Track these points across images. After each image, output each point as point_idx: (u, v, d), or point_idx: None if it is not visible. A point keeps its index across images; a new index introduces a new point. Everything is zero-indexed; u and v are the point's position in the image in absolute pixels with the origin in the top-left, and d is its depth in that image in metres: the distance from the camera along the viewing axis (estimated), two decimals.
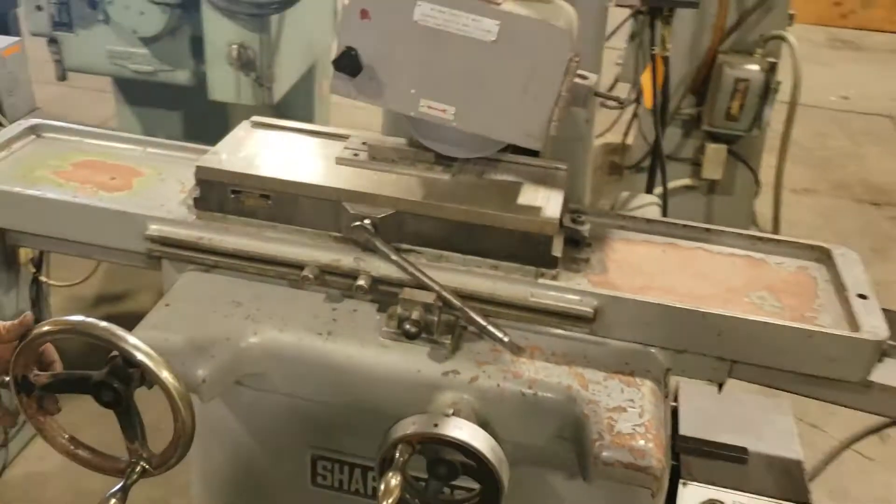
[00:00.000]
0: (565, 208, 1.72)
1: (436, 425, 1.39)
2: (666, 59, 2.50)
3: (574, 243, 1.70)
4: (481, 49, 1.47)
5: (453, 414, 1.43)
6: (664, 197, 2.37)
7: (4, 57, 2.53)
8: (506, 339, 1.55)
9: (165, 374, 1.33)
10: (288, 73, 3.60)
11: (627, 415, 1.44)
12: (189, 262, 1.71)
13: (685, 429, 1.80)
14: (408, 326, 1.49)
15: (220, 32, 3.28)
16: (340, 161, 1.73)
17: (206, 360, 1.48)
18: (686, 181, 4.02)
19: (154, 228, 1.69)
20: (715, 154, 3.94)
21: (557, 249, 1.62)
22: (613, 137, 4.98)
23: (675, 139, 4.01)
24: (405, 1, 1.45)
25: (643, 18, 3.40)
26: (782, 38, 3.65)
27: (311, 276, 1.60)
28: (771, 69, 3.67)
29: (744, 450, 1.71)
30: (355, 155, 1.74)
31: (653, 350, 1.59)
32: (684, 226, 1.82)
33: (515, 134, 1.54)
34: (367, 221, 1.60)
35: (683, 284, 1.65)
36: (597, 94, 1.54)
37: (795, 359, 1.53)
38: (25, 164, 1.88)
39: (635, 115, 4.36)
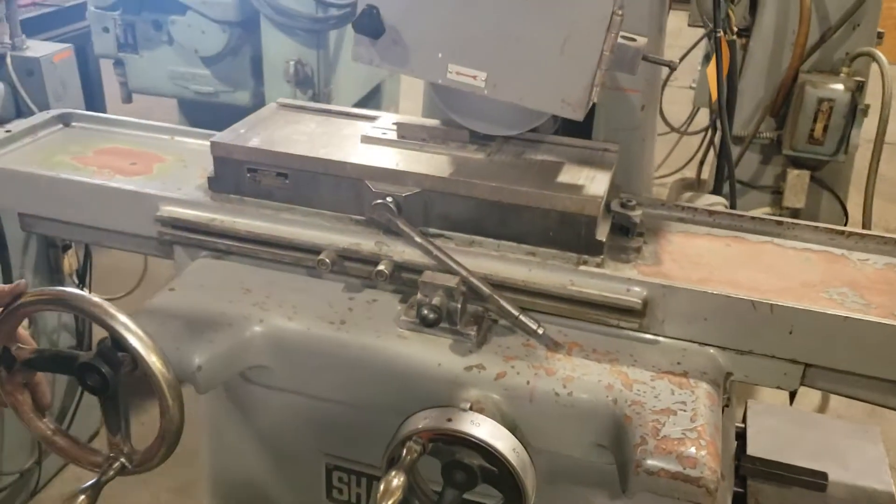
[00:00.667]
0: (614, 193, 1.52)
1: (449, 420, 1.20)
2: (732, 44, 2.27)
3: (623, 231, 1.50)
4: (515, 4, 1.32)
5: (471, 409, 1.23)
6: (731, 196, 2.13)
7: (55, 62, 2.53)
8: (540, 332, 1.35)
9: (154, 359, 1.19)
10: (347, 92, 3.54)
11: (677, 418, 1.21)
12: (202, 248, 1.59)
13: (754, 451, 1.54)
14: (426, 312, 1.31)
15: (278, 48, 3.25)
16: (366, 139, 1.59)
17: (204, 347, 1.34)
18: (766, 210, 3.73)
19: (165, 210, 1.58)
20: (797, 180, 3.65)
21: (602, 234, 1.43)
22: (690, 173, 4.73)
23: (754, 165, 3.74)
24: None
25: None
26: (871, 56, 3.37)
27: (327, 260, 1.45)
28: (858, 88, 3.39)
29: (823, 475, 1.44)
30: (383, 134, 1.60)
31: (711, 350, 1.36)
32: (752, 218, 1.60)
33: (552, 101, 1.36)
34: (389, 199, 1.45)
35: (750, 278, 1.43)
36: (646, 59, 1.35)
37: (884, 362, 1.28)
38: (47, 150, 1.82)
39: (711, 143, 4.12)
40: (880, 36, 3.59)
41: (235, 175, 1.57)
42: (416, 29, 1.39)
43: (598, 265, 1.42)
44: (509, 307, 1.37)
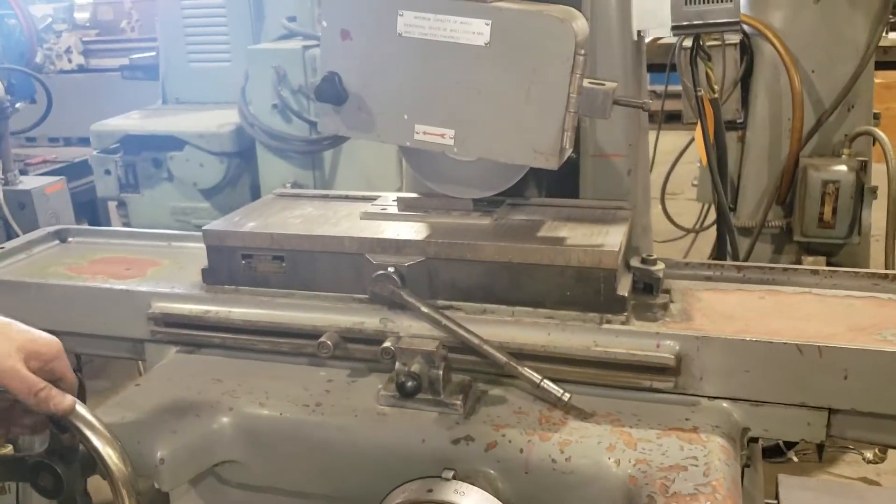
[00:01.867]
0: (631, 250, 1.43)
1: (430, 491, 1.07)
2: (714, 101, 2.24)
3: (647, 289, 1.39)
4: (474, 56, 1.27)
5: (455, 478, 1.09)
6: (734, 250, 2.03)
7: (47, 194, 2.54)
8: (566, 398, 1.22)
9: (109, 452, 1.07)
10: None
11: (688, 473, 1.07)
12: (195, 345, 1.48)
13: None
14: (404, 380, 1.20)
15: (275, 173, 3.27)
16: (366, 215, 1.52)
17: (168, 439, 1.22)
18: None
19: (157, 306, 1.49)
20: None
21: (624, 289, 1.32)
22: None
23: (767, 256, 3.65)
24: (387, 13, 1.28)
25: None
26: (871, 135, 3.37)
27: (329, 343, 1.34)
28: (862, 168, 3.36)
29: None
30: (383, 210, 1.53)
31: (725, 404, 1.24)
32: (784, 269, 1.49)
33: (524, 152, 1.29)
34: (391, 270, 1.36)
35: (791, 327, 1.30)
36: (617, 102, 1.29)
37: None
38: (40, 264, 1.75)
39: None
40: (877, 116, 3.61)
41: (230, 264, 1.48)
42: (379, 92, 1.35)
43: (623, 323, 1.30)
44: (530, 374, 1.24)
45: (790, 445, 1.88)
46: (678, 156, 4.27)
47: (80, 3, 6.77)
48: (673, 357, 1.23)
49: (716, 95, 2.24)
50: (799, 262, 3.61)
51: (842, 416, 1.22)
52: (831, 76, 3.41)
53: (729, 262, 1.52)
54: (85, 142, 3.98)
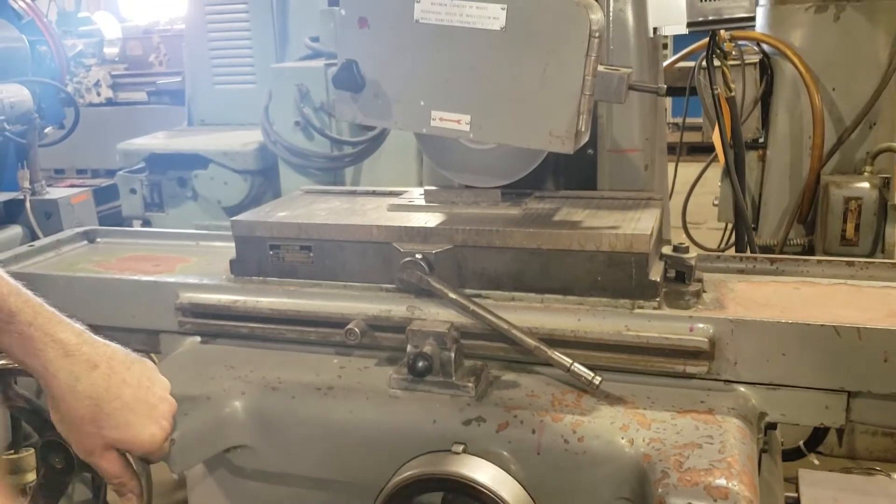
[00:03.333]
0: (662, 240, 1.42)
1: (440, 464, 1.08)
2: (731, 100, 2.23)
3: (679, 277, 1.37)
4: (490, 41, 1.27)
5: (464, 452, 1.10)
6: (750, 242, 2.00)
7: (73, 204, 2.57)
8: (597, 382, 1.20)
9: None
10: None
11: (703, 451, 1.05)
12: (223, 336, 1.48)
13: None
14: (414, 360, 1.20)
15: (297, 188, 3.29)
16: (393, 207, 1.52)
17: (179, 421, 1.21)
18: None
19: (185, 297, 1.49)
20: None
21: (656, 275, 1.31)
22: None
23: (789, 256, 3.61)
24: (404, 0, 1.30)
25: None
26: (894, 151, 3.35)
27: (357, 330, 1.33)
28: (885, 185, 3.33)
29: None
30: (410, 201, 1.53)
31: (742, 388, 1.21)
32: (819, 261, 1.47)
33: (539, 136, 1.29)
34: (418, 256, 1.35)
35: (828, 313, 1.27)
36: (632, 87, 1.29)
37: None
38: (69, 262, 1.77)
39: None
40: None
41: (258, 254, 1.49)
42: (395, 79, 1.35)
43: (655, 308, 1.28)
44: (560, 358, 1.23)
45: (811, 447, 1.84)
46: (696, 178, 4.25)
47: (109, 39, 6.92)
48: (707, 340, 1.21)
49: (732, 94, 2.24)
50: None
51: (861, 400, 1.20)
52: (852, 94, 3.40)
53: (762, 255, 1.49)
54: (112, 174, 4.03)
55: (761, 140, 3.60)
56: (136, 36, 7.70)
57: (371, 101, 1.37)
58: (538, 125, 1.29)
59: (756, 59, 3.51)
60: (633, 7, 1.65)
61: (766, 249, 3.59)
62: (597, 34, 1.23)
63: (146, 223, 3.72)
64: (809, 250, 3.56)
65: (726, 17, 1.70)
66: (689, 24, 1.71)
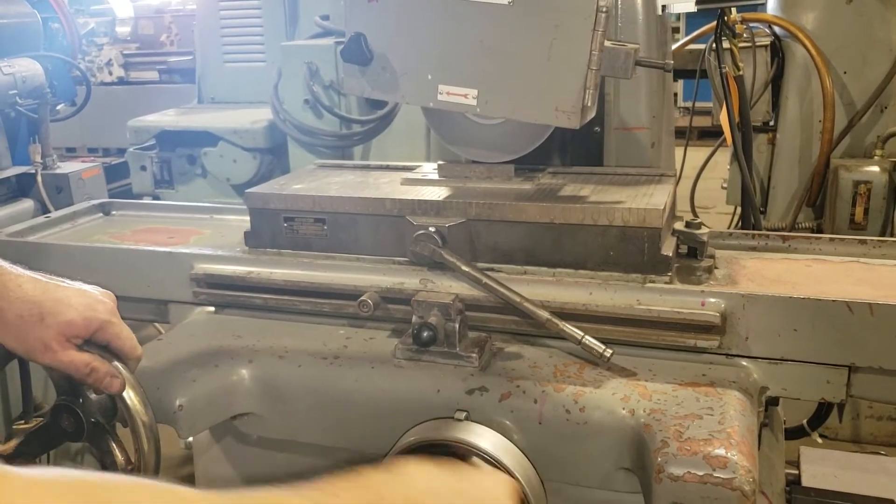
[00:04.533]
0: (674, 216, 1.43)
1: (442, 430, 1.11)
2: (739, 79, 2.22)
3: (691, 253, 1.38)
4: (498, 14, 1.27)
5: (467, 419, 1.12)
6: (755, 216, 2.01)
7: (84, 178, 2.58)
8: (608, 355, 1.21)
9: (131, 395, 1.10)
10: None
11: (703, 421, 1.07)
12: (237, 307, 1.50)
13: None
14: (419, 330, 1.22)
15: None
16: (406, 181, 1.53)
17: (187, 387, 1.24)
18: None
19: (200, 267, 1.50)
20: None
21: (668, 249, 1.31)
22: None
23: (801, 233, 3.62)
24: None
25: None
26: None
27: (370, 301, 1.34)
28: (894, 169, 3.33)
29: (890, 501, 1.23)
30: (423, 176, 1.54)
31: (744, 362, 1.23)
32: (831, 239, 1.48)
33: (545, 111, 1.29)
34: (432, 229, 1.36)
35: (840, 290, 1.28)
36: (639, 63, 1.29)
37: None
38: (84, 233, 1.78)
39: None
40: None
41: (272, 226, 1.50)
42: (403, 53, 1.35)
43: (667, 283, 1.29)
44: (572, 330, 1.24)
45: (814, 426, 1.86)
46: (704, 162, 4.24)
47: (121, 18, 6.91)
48: (718, 315, 1.22)
49: (741, 73, 2.23)
50: None
51: (862, 375, 1.21)
52: (864, 77, 3.39)
53: (774, 232, 1.50)
54: (124, 152, 4.04)
55: (771, 123, 3.59)
56: (148, 15, 7.68)
57: (379, 75, 1.38)
58: (545, 100, 1.29)
59: (767, 41, 3.49)
60: None
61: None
62: (604, 9, 1.23)
63: (156, 200, 3.73)
64: (819, 233, 3.56)
65: None
66: (699, 2, 1.70)
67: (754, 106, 3.54)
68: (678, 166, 4.03)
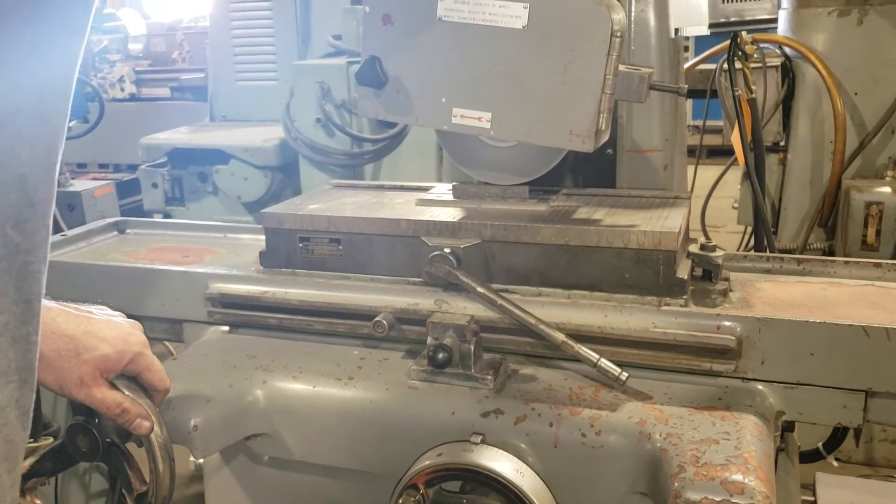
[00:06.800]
0: (689, 238, 1.43)
1: (458, 454, 1.11)
2: (752, 102, 2.23)
3: (706, 275, 1.38)
4: (512, 39, 1.28)
5: (483, 443, 1.12)
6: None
7: (96, 196, 2.60)
8: (624, 377, 1.21)
9: (154, 429, 1.11)
10: None
11: (719, 446, 1.07)
12: (252, 326, 1.50)
13: None
14: (434, 352, 1.23)
15: (317, 185, 3.31)
16: (421, 202, 1.54)
17: (201, 408, 1.24)
18: None
19: (215, 287, 1.51)
20: None
21: (683, 272, 1.31)
22: None
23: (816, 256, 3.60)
24: None
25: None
26: None
27: (384, 322, 1.35)
28: None
29: None
30: (438, 197, 1.55)
31: (760, 386, 1.23)
32: (846, 262, 1.47)
33: (559, 135, 1.29)
34: (447, 250, 1.36)
35: (856, 314, 1.28)
36: (653, 87, 1.30)
37: None
38: (100, 252, 1.79)
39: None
40: None
41: (287, 246, 1.50)
42: (418, 76, 1.36)
43: (683, 306, 1.29)
44: (587, 353, 1.24)
45: (830, 449, 1.85)
46: (715, 182, 4.24)
47: (133, 36, 6.99)
48: (734, 339, 1.22)
49: (753, 95, 2.24)
50: None
51: (879, 400, 1.20)
52: (875, 99, 3.39)
53: (789, 255, 1.50)
54: (134, 169, 4.07)
55: (782, 143, 3.60)
56: (160, 33, 7.76)
57: (393, 98, 1.39)
58: (558, 123, 1.29)
59: (778, 62, 3.50)
60: (655, 7, 1.65)
61: (785, 253, 3.57)
62: (618, 33, 1.24)
63: (167, 217, 3.75)
64: (830, 255, 3.55)
65: (748, 18, 1.71)
66: (711, 25, 1.71)
67: (765, 126, 3.54)
68: (689, 184, 4.04)
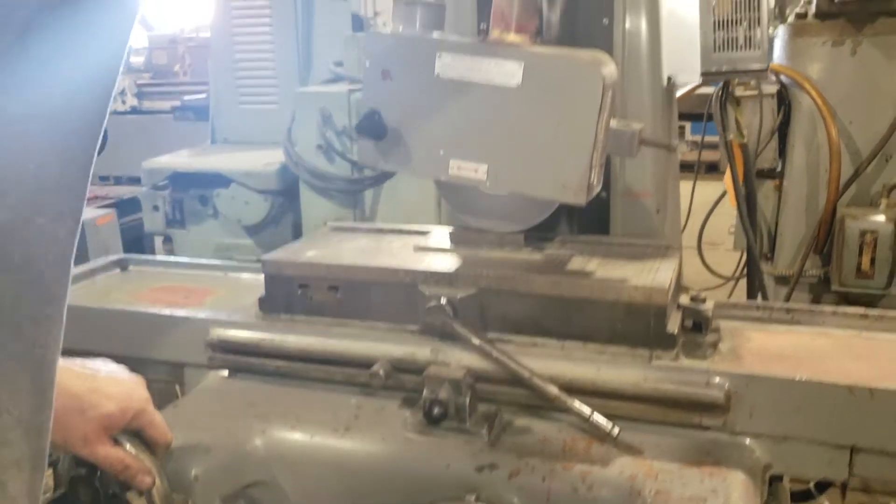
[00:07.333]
0: (681, 288, 1.46)
1: None
2: (744, 147, 2.27)
3: (696, 327, 1.41)
4: (507, 96, 1.31)
5: (477, 501, 1.13)
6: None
7: (98, 225, 2.63)
8: (615, 433, 1.23)
9: (156, 483, 1.14)
10: None
11: None
12: (251, 371, 1.53)
13: None
14: (430, 407, 1.26)
15: (317, 210, 3.36)
16: (419, 248, 1.57)
17: (201, 457, 1.27)
18: None
19: (215, 333, 1.54)
20: None
21: (673, 326, 1.34)
22: None
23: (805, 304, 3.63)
24: (426, 55, 1.34)
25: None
26: None
27: (381, 372, 1.38)
28: None
29: None
30: (436, 243, 1.58)
31: (747, 441, 1.26)
32: (834, 313, 1.50)
33: (553, 187, 1.32)
34: (444, 301, 1.39)
35: (842, 368, 1.31)
36: (643, 142, 1.34)
37: None
38: (102, 291, 1.82)
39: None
40: None
41: (286, 292, 1.54)
42: (416, 128, 1.39)
43: (673, 360, 1.32)
44: (580, 407, 1.26)
45: (821, 489, 1.87)
46: (713, 206, 4.27)
47: (135, 48, 7.05)
48: (723, 395, 1.25)
49: (745, 140, 2.28)
50: None
51: (865, 456, 1.23)
52: (869, 127, 3.43)
53: (778, 304, 1.53)
54: (135, 181, 4.11)
55: (777, 170, 3.63)
56: (162, 45, 7.80)
57: (392, 148, 1.42)
58: (552, 177, 1.32)
59: (774, 90, 3.54)
60: (648, 55, 1.68)
61: (781, 280, 3.61)
62: (610, 94, 1.28)
63: (167, 239, 3.79)
64: (825, 281, 3.58)
65: (740, 68, 1.74)
66: (704, 74, 1.75)
67: (761, 153, 3.58)
68: (686, 202, 4.07)
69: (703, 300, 1.41)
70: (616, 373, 1.31)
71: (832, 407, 1.22)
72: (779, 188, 3.72)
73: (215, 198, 3.53)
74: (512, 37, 1.33)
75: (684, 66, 1.72)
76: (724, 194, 4.13)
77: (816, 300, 3.64)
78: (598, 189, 1.37)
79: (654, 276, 1.38)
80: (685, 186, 3.81)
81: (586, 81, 1.27)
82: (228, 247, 3.67)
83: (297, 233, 3.57)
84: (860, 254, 3.39)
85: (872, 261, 3.37)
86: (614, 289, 1.33)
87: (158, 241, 3.88)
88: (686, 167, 4.37)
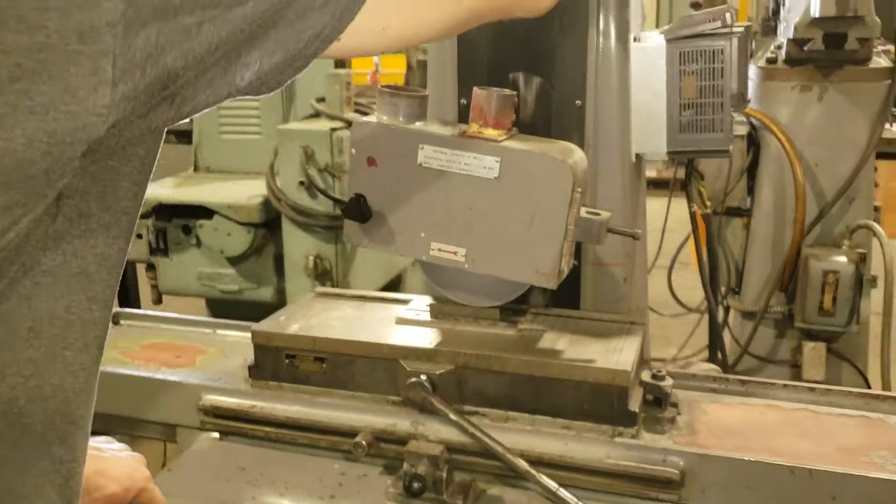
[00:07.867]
0: (644, 364, 1.57)
1: None
2: (707, 217, 2.40)
3: (656, 402, 1.52)
4: (485, 187, 1.42)
5: None
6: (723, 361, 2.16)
7: None
8: None
9: None
10: (366, 282, 3.68)
11: None
12: (241, 436, 1.62)
13: None
14: (409, 482, 1.36)
15: (298, 245, 3.44)
16: (401, 321, 1.67)
17: None
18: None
19: (208, 399, 1.63)
20: (814, 353, 3.66)
21: (635, 404, 1.46)
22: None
23: (769, 340, 3.77)
24: (409, 146, 1.44)
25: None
26: (869, 229, 3.52)
27: (363, 443, 1.48)
28: (861, 260, 3.50)
29: None
30: (416, 315, 1.68)
31: None
32: (784, 385, 1.63)
33: (527, 272, 1.44)
34: (423, 378, 1.49)
35: (787, 445, 1.43)
36: (611, 230, 1.46)
37: None
38: None
39: (726, 317, 4.17)
40: (877, 209, 3.76)
41: (274, 361, 1.63)
42: (399, 213, 1.49)
43: (633, 436, 1.43)
44: (547, 482, 1.37)
45: None
46: (685, 239, 4.39)
47: None
48: (678, 472, 1.36)
49: (708, 211, 2.41)
50: (800, 348, 3.73)
51: None
52: (833, 170, 3.57)
53: (733, 376, 1.65)
54: None
55: (746, 208, 3.78)
56: None
57: (377, 230, 1.52)
58: (526, 262, 1.44)
59: (744, 131, 3.69)
60: (618, 136, 1.80)
61: (747, 315, 3.74)
62: (579, 189, 1.39)
63: (150, 267, 3.84)
64: (790, 318, 3.72)
65: (703, 149, 1.85)
66: (670, 153, 1.85)
67: (730, 192, 3.72)
68: (660, 221, 4.15)
69: (664, 377, 1.52)
70: (581, 449, 1.42)
71: (776, 485, 1.33)
72: (747, 226, 3.86)
73: (198, 229, 3.59)
74: (490, 132, 1.44)
75: (652, 145, 1.83)
76: (686, 240, 4.22)
77: (781, 336, 3.78)
78: (567, 272, 1.48)
79: (618, 356, 1.49)
80: (660, 204, 3.91)
81: (557, 177, 1.38)
82: (211, 276, 3.74)
83: (279, 264, 3.65)
84: (822, 292, 3.53)
85: (834, 299, 3.52)
86: (581, 370, 1.44)
87: (141, 268, 3.93)
88: (661, 185, 4.46)
